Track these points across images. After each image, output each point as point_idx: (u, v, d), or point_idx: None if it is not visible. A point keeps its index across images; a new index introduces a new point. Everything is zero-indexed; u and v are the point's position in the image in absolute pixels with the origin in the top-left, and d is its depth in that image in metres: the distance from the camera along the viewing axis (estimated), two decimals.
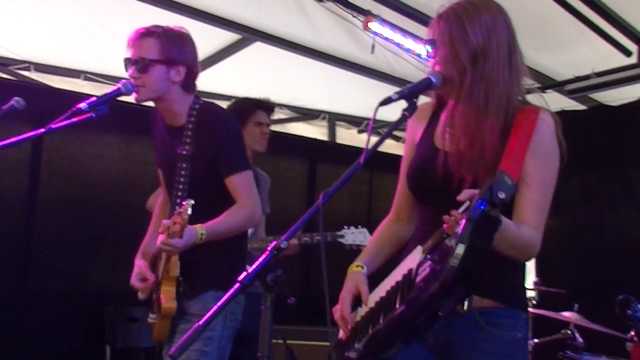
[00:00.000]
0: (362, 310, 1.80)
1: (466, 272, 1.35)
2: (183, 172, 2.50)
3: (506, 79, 1.78)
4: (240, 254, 2.62)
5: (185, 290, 2.48)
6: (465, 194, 1.47)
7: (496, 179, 1.38)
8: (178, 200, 2.50)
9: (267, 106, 3.81)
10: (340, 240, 3.71)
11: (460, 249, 1.34)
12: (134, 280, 2.59)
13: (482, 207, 1.35)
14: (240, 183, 2.49)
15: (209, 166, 2.49)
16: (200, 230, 2.35)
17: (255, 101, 3.79)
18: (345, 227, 3.78)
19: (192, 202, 2.22)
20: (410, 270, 1.59)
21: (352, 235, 3.75)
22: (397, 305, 1.56)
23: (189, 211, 2.21)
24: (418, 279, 1.51)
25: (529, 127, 1.73)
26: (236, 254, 2.58)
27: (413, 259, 1.63)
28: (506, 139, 1.74)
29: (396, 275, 1.70)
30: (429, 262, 1.49)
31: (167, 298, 2.45)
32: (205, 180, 2.50)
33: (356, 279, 1.86)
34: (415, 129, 2.00)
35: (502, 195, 1.37)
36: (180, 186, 2.51)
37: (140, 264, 2.60)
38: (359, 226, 3.75)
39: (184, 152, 2.50)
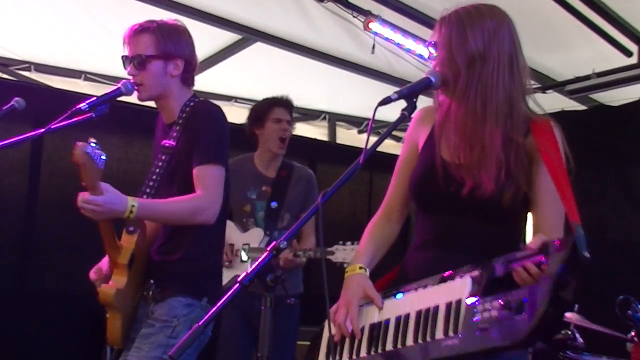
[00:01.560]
0: (367, 316, 1.77)
1: (547, 324, 1.39)
2: (160, 164, 2.44)
3: (507, 85, 1.78)
4: (215, 261, 2.53)
5: (155, 293, 2.41)
6: (537, 242, 1.49)
7: (577, 237, 1.42)
8: (147, 190, 2.41)
9: (284, 102, 3.78)
10: (329, 257, 3.56)
11: (545, 307, 1.37)
12: (91, 273, 2.50)
13: (569, 266, 1.40)
14: (204, 175, 2.34)
15: (187, 160, 2.39)
16: (131, 201, 2.21)
17: (272, 99, 3.79)
18: (340, 243, 3.64)
19: (93, 140, 2.05)
20: (459, 302, 1.56)
21: (343, 253, 3.60)
22: (442, 335, 1.53)
23: (87, 149, 2.03)
24: (479, 317, 1.48)
25: (555, 150, 1.72)
26: (209, 261, 2.49)
27: (457, 288, 1.59)
28: (514, 147, 1.75)
29: (428, 297, 1.65)
30: (498, 304, 1.47)
31: (111, 285, 2.31)
32: (179, 176, 2.42)
33: (362, 282, 1.83)
34: (418, 132, 1.98)
35: (587, 254, 1.42)
36: (154, 177, 2.43)
37: (104, 259, 2.49)
38: (354, 242, 3.59)
39: (167, 145, 2.44)
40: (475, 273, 1.56)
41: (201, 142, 2.38)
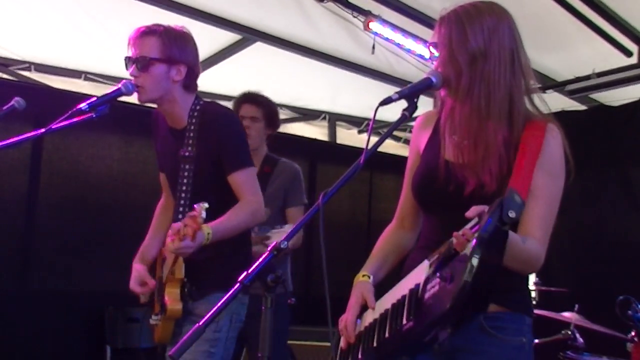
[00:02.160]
0: (365, 320, 1.79)
1: (476, 289, 1.36)
2: (186, 174, 2.49)
3: (508, 82, 1.78)
4: (245, 254, 2.60)
5: (191, 292, 2.47)
6: (473, 211, 1.47)
7: (506, 197, 1.38)
8: (182, 202, 2.48)
9: (248, 98, 3.72)
10: (266, 242, 3.33)
11: (471, 268, 1.35)
12: (134, 285, 2.57)
13: (492, 225, 1.36)
14: (243, 180, 2.46)
15: (213, 166, 2.47)
16: (207, 230, 2.31)
17: (239, 96, 3.76)
18: (277, 226, 3.43)
19: (207, 205, 2.18)
20: (417, 285, 1.58)
21: (278, 237, 3.51)
22: (405, 321, 1.56)
23: (204, 214, 2.17)
24: (427, 295, 1.51)
25: (536, 142, 1.73)
26: (241, 254, 2.56)
27: (419, 273, 1.62)
28: (512, 146, 1.75)
29: (402, 288, 1.69)
30: (437, 279, 1.48)
31: (172, 300, 2.43)
32: (209, 180, 2.49)
33: (363, 288, 1.84)
34: (419, 137, 1.99)
35: (512, 214, 1.37)
36: (184, 187, 2.49)
37: (139, 268, 2.59)
38: (286, 225, 3.45)
39: (187, 154, 2.48)
40: (435, 256, 1.58)
41: (229, 150, 2.48)
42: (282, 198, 3.67)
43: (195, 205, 2.19)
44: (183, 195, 2.49)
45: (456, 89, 1.79)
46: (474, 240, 1.37)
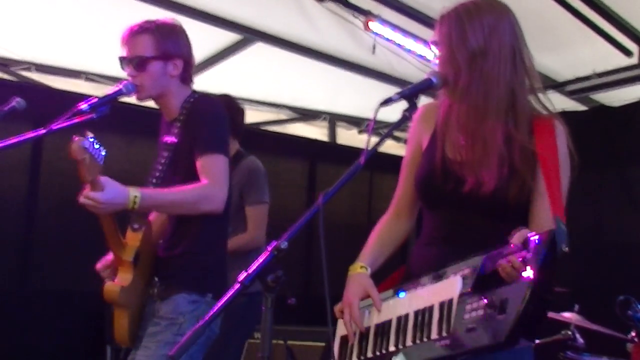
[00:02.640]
0: (371, 317, 1.77)
1: (529, 321, 1.39)
2: (163, 161, 2.43)
3: (508, 79, 1.78)
4: (219, 256, 2.50)
5: (160, 291, 2.40)
6: (518, 237, 1.49)
7: (557, 230, 1.41)
8: (151, 186, 2.40)
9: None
10: None
11: (529, 301, 1.38)
12: (98, 265, 2.46)
13: (549, 259, 1.40)
14: (209, 164, 2.32)
15: (190, 156, 2.38)
16: (133, 191, 2.18)
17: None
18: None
19: (90, 135, 2.01)
20: (450, 301, 1.57)
21: None
22: (437, 335, 1.55)
23: (85, 144, 1.99)
24: (467, 316, 1.50)
25: (553, 150, 1.74)
26: (214, 255, 2.47)
27: (448, 287, 1.60)
28: (517, 145, 1.75)
29: (422, 297, 1.66)
30: (482, 302, 1.48)
31: (116, 283, 2.30)
32: (182, 171, 2.40)
33: (363, 282, 1.83)
34: (421, 130, 1.98)
35: (565, 248, 1.40)
36: (157, 174, 2.42)
37: (111, 255, 2.45)
38: None
39: (169, 141, 2.44)
40: (466, 271, 1.57)
41: (202, 132, 2.36)
42: (238, 195, 3.55)
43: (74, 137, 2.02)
44: (153, 180, 2.41)
45: (454, 88, 1.80)
46: (533, 273, 1.40)
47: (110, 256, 2.45)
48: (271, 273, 1.50)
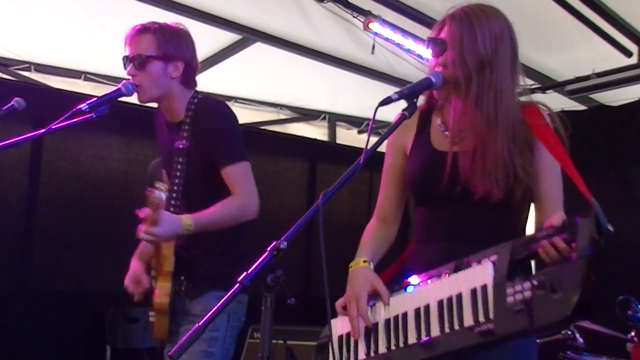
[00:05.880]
0: (377, 312, 1.76)
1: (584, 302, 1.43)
2: (179, 167, 2.48)
3: (510, 90, 1.83)
4: (241, 252, 2.56)
5: (187, 290, 2.46)
6: (558, 219, 1.54)
7: (599, 211, 1.47)
8: (174, 195, 2.47)
9: None
10: None
11: (585, 277, 1.42)
12: (128, 282, 2.57)
13: (593, 244, 1.43)
14: (235, 174, 2.43)
15: (205, 159, 2.45)
16: (186, 220, 2.30)
17: None
18: None
19: (164, 186, 2.18)
20: (484, 287, 1.57)
21: None
22: (472, 322, 1.55)
23: (160, 195, 2.16)
24: (510, 299, 1.50)
25: (551, 135, 1.79)
26: (236, 252, 2.53)
27: (479, 273, 1.60)
28: (517, 145, 1.79)
29: (446, 285, 1.65)
30: (527, 285, 1.49)
31: (160, 293, 2.41)
32: (202, 174, 2.48)
33: (369, 276, 1.83)
34: (401, 137, 1.99)
35: (610, 228, 1.45)
36: (177, 180, 2.48)
37: (135, 266, 2.59)
38: None
39: (181, 146, 2.47)
40: (494, 257, 1.58)
41: (222, 144, 2.46)
42: None
43: (149, 189, 2.19)
44: (175, 188, 2.48)
45: (466, 94, 1.80)
46: (588, 248, 1.43)
47: (138, 273, 2.56)
48: (271, 273, 1.50)
